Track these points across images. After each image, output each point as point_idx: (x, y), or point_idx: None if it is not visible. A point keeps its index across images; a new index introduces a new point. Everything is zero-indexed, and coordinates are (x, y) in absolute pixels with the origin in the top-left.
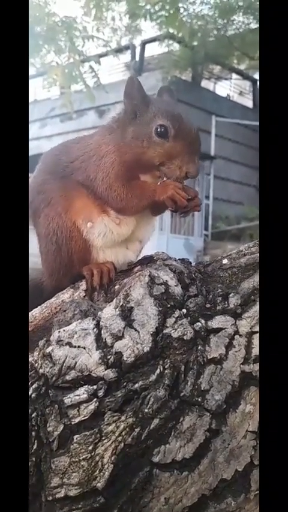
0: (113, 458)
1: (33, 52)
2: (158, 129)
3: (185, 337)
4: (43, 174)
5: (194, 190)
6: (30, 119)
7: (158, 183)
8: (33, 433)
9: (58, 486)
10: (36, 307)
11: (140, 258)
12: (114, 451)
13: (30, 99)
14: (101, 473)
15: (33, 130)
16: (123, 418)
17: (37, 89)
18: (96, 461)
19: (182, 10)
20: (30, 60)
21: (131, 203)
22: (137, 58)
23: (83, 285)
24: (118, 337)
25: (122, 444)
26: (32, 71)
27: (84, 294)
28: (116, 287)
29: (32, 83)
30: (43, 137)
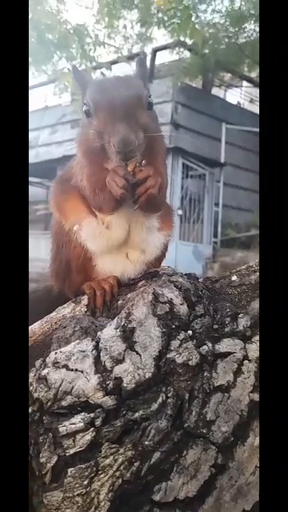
0: (109, 495)
1: (45, 59)
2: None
3: (190, 363)
4: (60, 180)
5: (148, 170)
6: (40, 125)
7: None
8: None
9: None
10: (47, 311)
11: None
12: (111, 487)
13: (41, 105)
14: (97, 511)
15: (44, 136)
16: (121, 450)
17: (48, 96)
18: (91, 498)
19: (193, 18)
20: (42, 67)
21: (99, 199)
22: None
23: (85, 299)
24: (118, 361)
25: (120, 480)
26: (43, 78)
27: (85, 309)
28: (119, 302)
29: (43, 89)
30: (54, 143)
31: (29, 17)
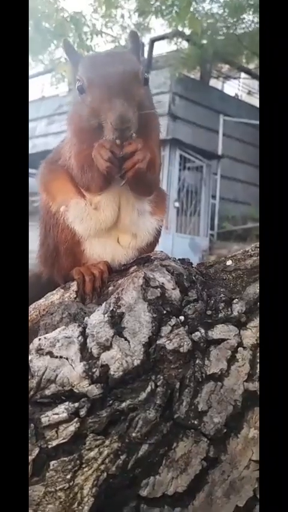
0: (94, 490)
1: (41, 48)
2: (77, 85)
3: (181, 349)
4: (49, 161)
5: (136, 143)
6: (37, 115)
7: None
8: None
9: None
10: (36, 298)
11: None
12: (95, 482)
13: (38, 96)
14: (80, 507)
15: (41, 127)
16: (107, 442)
17: (45, 86)
18: (75, 493)
19: (192, 8)
20: (39, 57)
21: (87, 177)
22: (146, 55)
23: (74, 285)
24: (105, 347)
25: (105, 474)
26: (40, 67)
27: (75, 296)
28: (110, 288)
29: (40, 80)
30: (51, 134)
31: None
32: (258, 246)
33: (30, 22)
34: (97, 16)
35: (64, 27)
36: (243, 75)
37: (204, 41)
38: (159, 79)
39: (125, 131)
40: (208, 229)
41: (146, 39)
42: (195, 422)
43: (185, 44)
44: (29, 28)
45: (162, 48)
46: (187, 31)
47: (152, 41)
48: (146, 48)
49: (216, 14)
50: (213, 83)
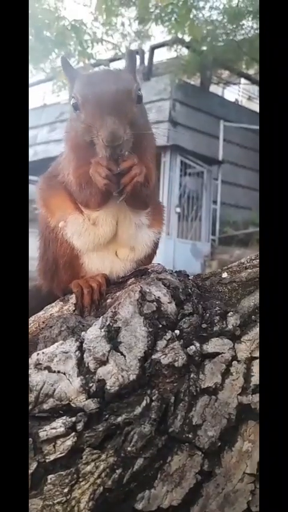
0: (90, 503)
1: (42, 57)
2: (72, 102)
3: (176, 364)
4: (47, 176)
5: (132, 159)
6: (39, 123)
7: None
8: None
9: None
10: (36, 310)
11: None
12: (92, 496)
13: (39, 103)
14: None
15: (42, 134)
16: (103, 456)
17: (46, 94)
18: (72, 506)
19: (191, 16)
20: (40, 65)
21: (85, 193)
22: (146, 63)
23: (73, 298)
24: (102, 362)
25: (102, 488)
26: (41, 75)
27: (73, 308)
28: (108, 301)
29: (41, 88)
30: (52, 141)
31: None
32: (253, 258)
33: (31, 31)
34: (97, 24)
35: (65, 35)
36: (243, 80)
37: (204, 48)
38: (160, 86)
39: (116, 148)
40: (209, 234)
41: (146, 47)
42: (190, 436)
43: (184, 51)
44: (30, 37)
45: (162, 55)
46: (187, 38)
47: (152, 48)
48: (147, 56)
49: (215, 21)
50: (214, 88)
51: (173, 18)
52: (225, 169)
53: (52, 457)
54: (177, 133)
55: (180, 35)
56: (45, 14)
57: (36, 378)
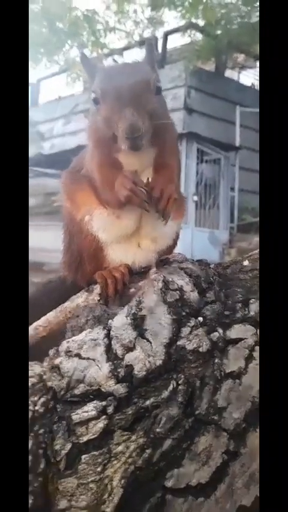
0: (122, 481)
1: (56, 49)
2: (92, 96)
3: (200, 349)
4: (71, 170)
5: (160, 183)
6: (54, 116)
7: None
8: (41, 451)
9: (66, 509)
10: (61, 301)
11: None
12: (124, 474)
13: (54, 96)
14: (110, 498)
15: (58, 127)
16: (133, 437)
17: (60, 86)
18: (105, 484)
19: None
20: (54, 58)
21: (106, 195)
22: (160, 50)
23: (97, 288)
24: (129, 349)
25: (133, 466)
26: (55, 68)
27: (98, 298)
28: (131, 290)
29: (55, 80)
30: (68, 133)
31: (40, 6)
32: None
33: (44, 23)
34: (110, 13)
35: (77, 26)
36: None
37: (219, 32)
38: (174, 73)
39: (136, 140)
40: (228, 222)
41: (159, 33)
42: (215, 418)
43: (199, 36)
44: (43, 29)
45: (176, 42)
46: (201, 22)
47: (166, 35)
48: (160, 43)
49: (230, 4)
50: (229, 73)
51: (186, 2)
52: (243, 155)
53: (85, 438)
54: (193, 120)
55: (193, 20)
56: (57, 5)
57: (67, 364)
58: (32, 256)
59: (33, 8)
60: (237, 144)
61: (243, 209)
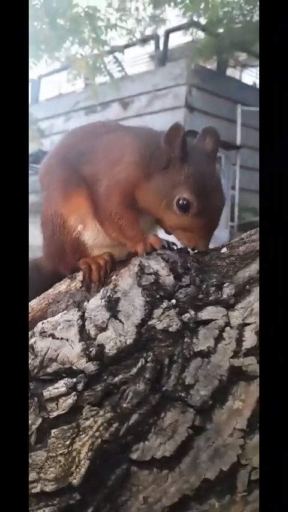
0: (90, 454)
1: (57, 46)
2: (180, 202)
3: (170, 329)
4: (56, 156)
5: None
6: (54, 113)
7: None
8: None
9: (34, 481)
10: (35, 290)
11: None
12: (91, 447)
13: (55, 93)
14: (78, 469)
15: (58, 124)
16: (101, 412)
17: (61, 83)
18: (73, 457)
19: None
20: (55, 54)
21: (109, 230)
22: (161, 48)
23: (79, 275)
24: (102, 329)
25: (100, 440)
26: (56, 65)
27: (81, 285)
28: (113, 278)
29: (56, 77)
30: (68, 131)
31: (40, 2)
32: (252, 233)
33: (46, 20)
34: (111, 10)
35: (78, 22)
36: None
37: (221, 30)
38: (176, 71)
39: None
40: (228, 221)
41: (161, 31)
42: (182, 394)
43: (200, 34)
44: (44, 26)
45: (178, 40)
46: (202, 21)
47: (167, 33)
48: (162, 41)
49: (232, 2)
50: (231, 72)
51: (187, 0)
52: (244, 154)
53: (55, 414)
54: (194, 119)
55: (195, 18)
56: (58, 2)
57: (41, 344)
58: (32, 254)
59: (34, 4)
60: (238, 143)
61: (243, 208)
